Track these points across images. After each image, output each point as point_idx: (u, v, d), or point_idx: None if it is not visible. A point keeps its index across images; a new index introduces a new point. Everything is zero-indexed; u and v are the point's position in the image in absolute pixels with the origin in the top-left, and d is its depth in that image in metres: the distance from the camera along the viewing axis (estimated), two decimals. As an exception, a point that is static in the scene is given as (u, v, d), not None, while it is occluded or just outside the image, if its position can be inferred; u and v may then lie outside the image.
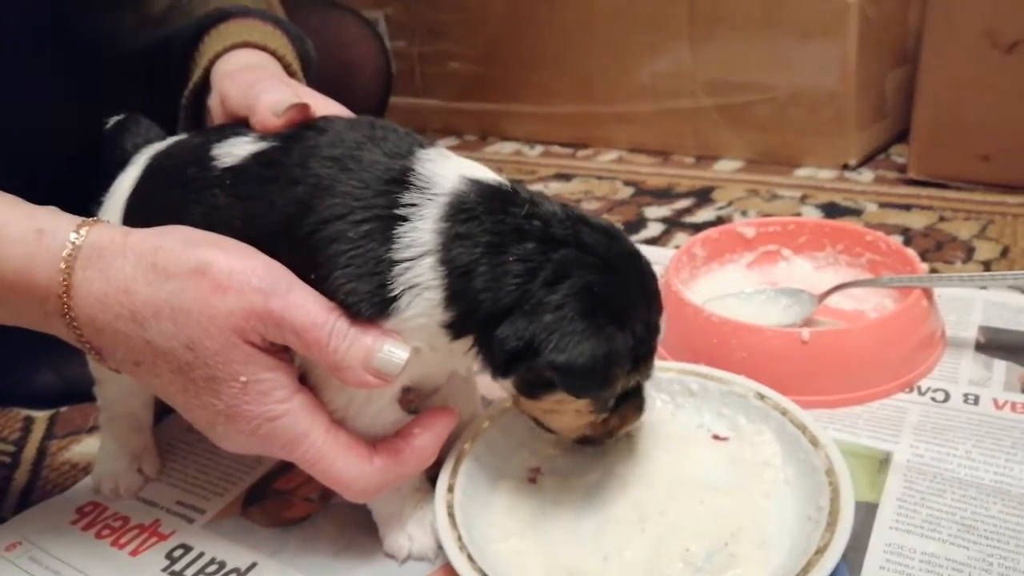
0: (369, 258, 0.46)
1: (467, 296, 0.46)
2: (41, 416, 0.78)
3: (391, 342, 0.47)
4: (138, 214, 0.56)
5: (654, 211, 1.07)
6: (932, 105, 0.98)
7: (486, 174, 0.50)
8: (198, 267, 0.46)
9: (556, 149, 1.35)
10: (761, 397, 0.60)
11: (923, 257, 0.86)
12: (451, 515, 0.52)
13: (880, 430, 0.61)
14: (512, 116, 1.40)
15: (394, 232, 0.46)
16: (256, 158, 0.51)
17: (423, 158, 0.49)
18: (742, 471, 0.57)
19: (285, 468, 0.66)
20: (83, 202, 0.57)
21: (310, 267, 0.47)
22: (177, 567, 0.57)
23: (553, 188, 1.19)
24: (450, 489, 0.54)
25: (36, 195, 0.50)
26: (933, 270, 0.84)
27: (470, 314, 0.47)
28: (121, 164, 0.60)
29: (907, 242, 0.90)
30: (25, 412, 0.79)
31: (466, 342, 0.48)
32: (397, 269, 0.46)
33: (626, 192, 1.15)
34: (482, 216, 0.47)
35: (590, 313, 0.47)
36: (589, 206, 1.11)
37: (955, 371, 0.67)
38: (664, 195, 1.11)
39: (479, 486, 0.56)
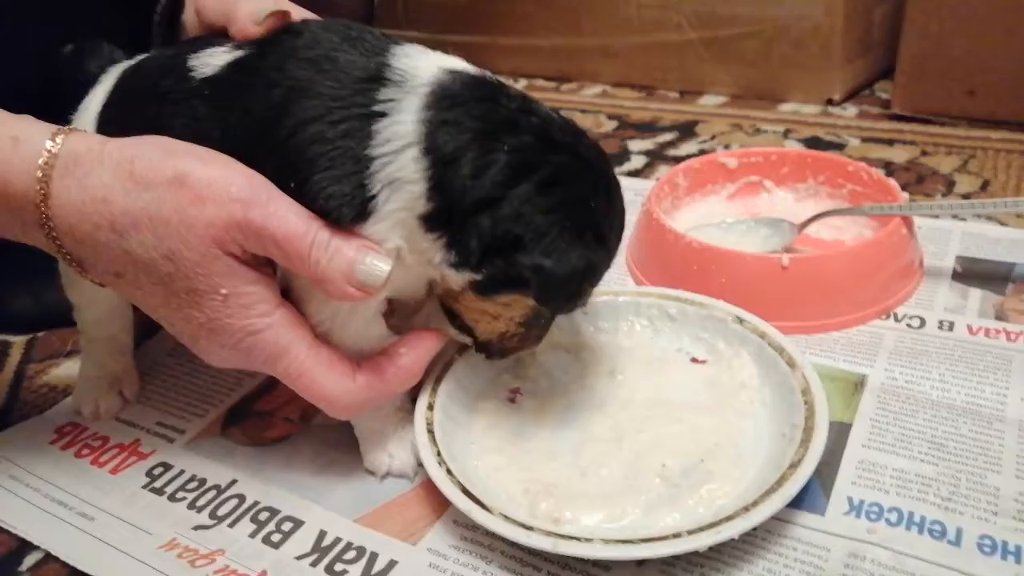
0: (348, 158, 0.45)
1: (451, 184, 0.45)
2: (19, 341, 0.77)
3: (373, 254, 0.46)
4: (112, 130, 0.54)
5: (637, 144, 1.06)
6: (918, 38, 0.97)
7: (468, 66, 0.49)
8: (176, 177, 0.45)
9: (540, 83, 1.33)
10: (740, 321, 0.60)
11: (905, 190, 0.86)
12: (430, 432, 0.53)
13: (856, 355, 0.62)
14: (497, 49, 1.37)
15: (372, 129, 0.45)
16: (233, 66, 0.50)
17: (399, 54, 0.48)
18: (719, 392, 0.57)
19: (266, 389, 0.66)
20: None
21: (290, 173, 0.46)
22: (157, 484, 0.57)
23: (536, 121, 1.17)
24: (430, 407, 0.55)
25: None
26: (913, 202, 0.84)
27: (452, 204, 0.46)
28: (84, 86, 0.58)
29: (888, 176, 0.90)
30: (2, 337, 0.78)
31: (433, 236, 0.47)
32: (375, 165, 0.45)
33: (610, 126, 1.13)
34: (470, 103, 0.46)
35: (580, 226, 0.47)
36: (572, 139, 1.10)
37: (932, 299, 0.68)
38: (647, 129, 1.10)
39: (459, 405, 0.57)
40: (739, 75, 1.16)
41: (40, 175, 0.46)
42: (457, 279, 0.49)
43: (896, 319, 0.66)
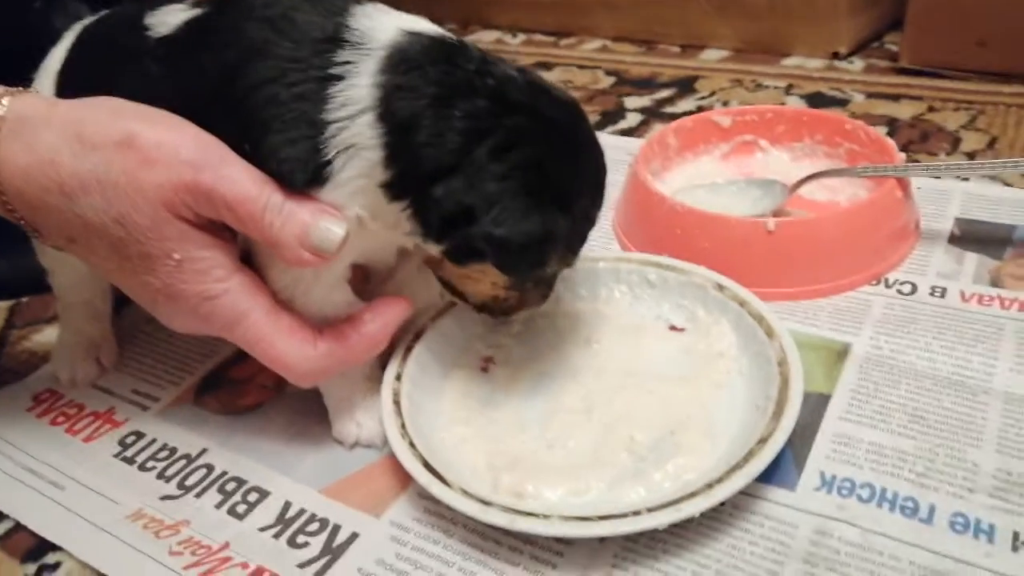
0: (302, 121, 0.44)
1: (408, 152, 0.44)
2: (1, 306, 0.77)
3: (328, 218, 0.45)
4: (69, 89, 0.53)
5: (634, 101, 1.03)
6: (929, -13, 0.92)
7: (429, 27, 0.47)
8: (124, 138, 0.44)
9: (539, 38, 1.29)
10: (720, 288, 0.58)
11: (907, 148, 0.84)
12: (396, 403, 0.52)
13: (842, 322, 0.60)
14: (494, 2, 1.34)
15: (328, 92, 0.44)
16: (189, 25, 0.49)
17: (358, 14, 0.46)
18: (695, 361, 0.56)
19: (240, 356, 0.65)
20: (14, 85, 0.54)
21: (243, 135, 0.45)
22: (129, 453, 0.57)
23: (533, 78, 1.14)
24: (398, 377, 0.54)
25: None
26: (914, 161, 0.81)
27: (410, 172, 0.44)
28: (51, 43, 0.57)
29: (892, 133, 0.87)
30: (-15, 303, 0.78)
31: (402, 204, 0.46)
32: (331, 130, 0.44)
33: (607, 82, 1.10)
34: (426, 67, 0.44)
35: (534, 190, 0.45)
36: (568, 96, 1.07)
37: (926, 264, 0.65)
38: (645, 85, 1.07)
39: (429, 374, 0.56)
40: (742, 28, 1.12)
41: None
42: (431, 248, 0.48)
43: (887, 285, 0.64)
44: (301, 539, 0.49)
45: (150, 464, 0.56)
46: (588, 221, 0.50)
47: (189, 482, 0.54)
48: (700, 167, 0.80)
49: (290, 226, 0.44)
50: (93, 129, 0.45)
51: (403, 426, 0.50)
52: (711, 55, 1.13)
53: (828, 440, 0.50)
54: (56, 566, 0.50)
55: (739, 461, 0.45)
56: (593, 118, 1.00)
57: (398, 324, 0.52)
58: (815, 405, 0.53)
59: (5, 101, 0.46)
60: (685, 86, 1.05)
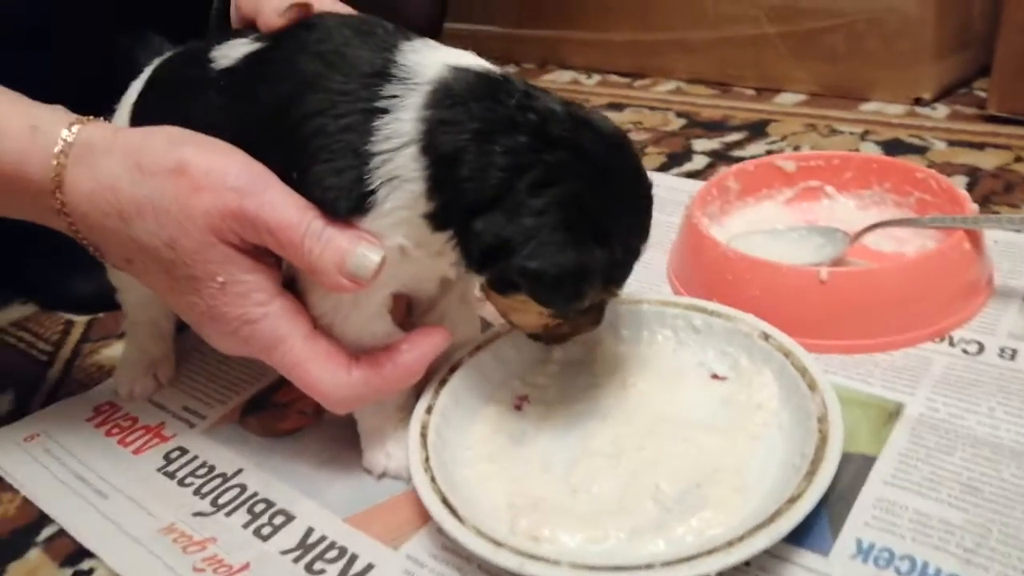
0: (348, 151, 0.45)
1: (451, 184, 0.45)
2: (80, 320, 0.82)
3: (366, 245, 0.46)
4: (141, 119, 0.57)
5: (702, 144, 1.01)
6: (1019, 32, 0.88)
7: (475, 61, 0.48)
8: (177, 166, 0.47)
9: (614, 78, 1.29)
10: (766, 337, 0.56)
11: (989, 200, 0.79)
12: (423, 435, 0.52)
13: (897, 380, 0.57)
14: (571, 43, 1.35)
15: (374, 125, 0.45)
16: (249, 58, 0.51)
17: (406, 49, 0.47)
18: (734, 412, 0.54)
19: (284, 381, 0.66)
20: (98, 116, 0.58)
21: (292, 164, 0.47)
22: (171, 468, 0.59)
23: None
24: (428, 410, 0.54)
25: None
26: (995, 212, 0.76)
27: (453, 204, 0.45)
28: (134, 77, 0.61)
29: (973, 183, 0.82)
30: (67, 316, 0.83)
31: (447, 235, 0.47)
32: (375, 161, 0.45)
33: (677, 124, 1.09)
34: (469, 103, 0.45)
35: (572, 225, 0.45)
36: (637, 136, 1.06)
37: (996, 323, 0.61)
38: (716, 128, 1.05)
39: (461, 409, 0.56)
40: (819, 72, 1.09)
41: (55, 163, 0.48)
42: (475, 278, 0.49)
43: (951, 343, 0.60)
44: (319, 565, 0.49)
45: (189, 480, 0.58)
46: (631, 253, 0.49)
47: (222, 500, 0.55)
48: (762, 212, 0.78)
49: (329, 253, 0.46)
50: (150, 158, 0.47)
51: (427, 459, 0.50)
52: (786, 99, 1.11)
53: (869, 505, 0.47)
54: (90, 572, 0.52)
55: (765, 520, 0.43)
56: (659, 160, 0.99)
57: (435, 355, 0.52)
58: (858, 467, 0.50)
59: (75, 129, 0.49)
60: (756, 130, 1.03)
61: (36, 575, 0.52)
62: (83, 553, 0.53)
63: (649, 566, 0.41)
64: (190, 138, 0.48)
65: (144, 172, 0.47)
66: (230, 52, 0.52)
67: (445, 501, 0.47)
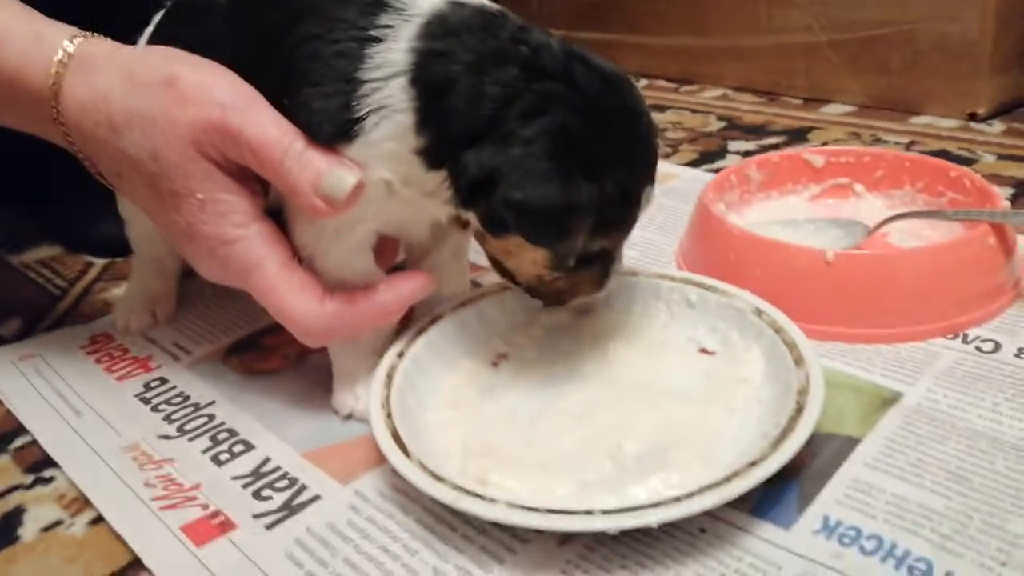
0: (338, 77, 0.45)
1: (440, 117, 0.44)
2: (100, 263, 0.84)
3: (344, 168, 0.45)
4: (154, 44, 0.58)
5: (738, 145, 0.99)
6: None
7: None
8: (168, 78, 0.47)
9: (661, 83, 1.28)
10: (759, 313, 0.53)
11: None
12: (389, 376, 0.51)
13: (898, 370, 0.53)
14: (625, 47, 1.34)
15: (366, 52, 0.45)
16: None
17: None
18: (715, 384, 0.51)
19: (275, 328, 0.66)
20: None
21: (284, 90, 0.46)
22: (149, 395, 0.59)
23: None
24: (400, 355, 0.53)
25: None
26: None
27: (443, 138, 0.45)
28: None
29: (1018, 195, 0.78)
30: (88, 258, 0.85)
31: (441, 175, 0.46)
32: (365, 89, 0.44)
33: (717, 125, 1.06)
34: (462, 34, 0.44)
35: (558, 155, 0.43)
36: (674, 134, 1.04)
37: (1018, 324, 0.57)
38: (756, 131, 1.02)
39: (437, 359, 0.54)
40: (870, 83, 1.05)
41: (54, 71, 0.49)
42: (466, 216, 0.48)
43: (965, 340, 0.56)
44: (266, 492, 0.48)
45: (162, 407, 0.58)
46: (626, 197, 0.47)
47: (188, 427, 0.55)
48: (785, 206, 0.75)
49: (307, 173, 0.45)
50: (143, 69, 0.48)
51: (387, 398, 0.49)
52: (834, 109, 1.07)
53: (844, 484, 0.44)
54: (49, 480, 0.52)
55: (719, 480, 0.40)
56: (690, 156, 0.96)
57: (414, 299, 0.51)
58: (839, 448, 0.46)
59: (77, 41, 0.50)
60: (797, 135, 0.99)
61: (1, 477, 0.53)
62: (48, 462, 0.53)
63: (588, 512, 0.39)
64: (185, 56, 0.49)
65: (136, 84, 0.48)
66: None
67: (396, 436, 0.45)
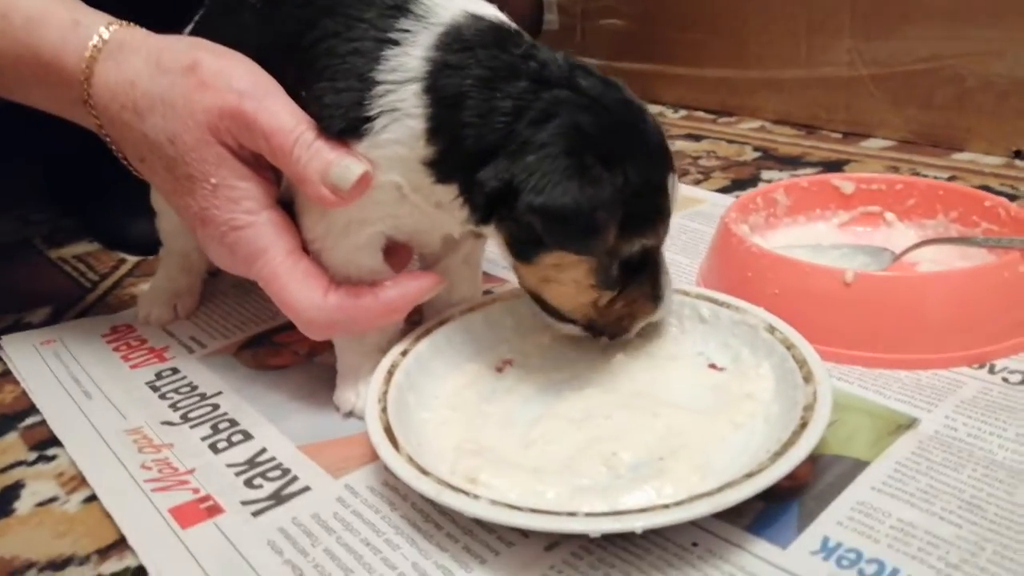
0: (353, 74, 0.45)
1: (451, 130, 0.44)
2: (132, 260, 0.86)
3: (351, 158, 0.46)
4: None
5: (771, 175, 0.97)
6: None
7: (491, 12, 0.48)
8: (191, 64, 0.48)
9: (699, 115, 1.27)
10: (772, 330, 0.51)
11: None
12: (390, 372, 0.50)
13: (917, 397, 0.51)
14: (664, 78, 1.34)
15: (383, 54, 0.45)
16: None
17: None
18: (721, 399, 0.49)
19: (288, 325, 0.66)
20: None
21: (302, 83, 0.47)
22: (159, 383, 0.60)
23: (678, 144, 1.11)
24: (403, 353, 0.52)
25: None
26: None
27: (454, 152, 0.45)
28: None
29: (1061, 233, 0.74)
30: (123, 255, 0.87)
31: (452, 190, 0.46)
32: (378, 89, 0.45)
33: (752, 155, 1.05)
34: (476, 49, 0.45)
35: (575, 151, 0.43)
36: (708, 162, 1.03)
37: (1051, 358, 0.54)
38: (791, 162, 1.01)
39: (441, 360, 0.54)
40: (912, 118, 1.03)
41: (88, 55, 0.50)
42: (486, 231, 0.48)
43: (991, 371, 0.53)
44: (258, 481, 0.48)
45: (170, 395, 0.58)
46: (651, 186, 0.46)
47: (192, 415, 0.55)
48: (812, 232, 0.73)
49: (315, 162, 0.46)
50: (169, 55, 0.49)
51: (384, 393, 0.48)
52: (874, 143, 1.05)
53: (847, 506, 0.42)
54: (52, 458, 0.52)
55: (710, 490, 0.38)
56: (722, 183, 0.95)
57: (419, 298, 0.51)
58: (846, 470, 0.44)
59: (112, 28, 0.51)
60: (833, 167, 0.97)
61: (7, 453, 0.53)
62: (53, 442, 0.54)
63: (572, 514, 0.38)
64: (210, 45, 0.50)
65: (161, 69, 0.49)
66: None
67: (388, 430, 0.45)
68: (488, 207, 0.45)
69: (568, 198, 0.42)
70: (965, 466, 0.44)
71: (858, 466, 0.45)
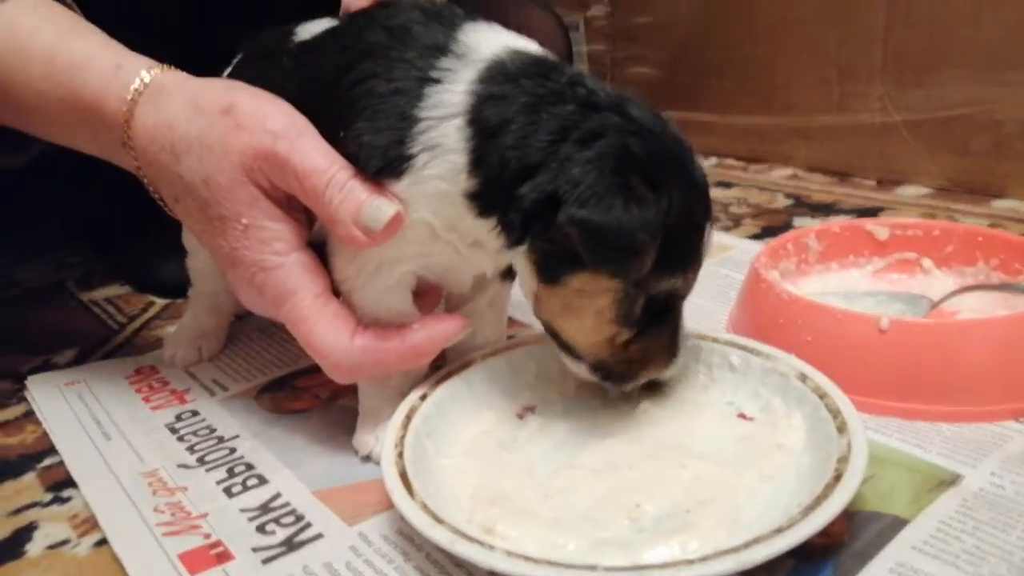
0: (393, 113, 0.45)
1: (493, 157, 0.44)
2: (161, 302, 0.86)
3: (383, 199, 0.45)
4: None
5: (804, 221, 0.95)
6: None
7: (533, 46, 0.48)
8: (227, 107, 0.49)
9: (730, 162, 1.26)
10: (803, 378, 0.50)
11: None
12: (408, 417, 0.49)
13: (960, 451, 0.48)
14: (694, 125, 1.33)
15: (424, 92, 0.45)
16: (325, 32, 0.54)
17: (469, 29, 0.48)
18: (750, 449, 0.47)
19: (310, 370, 0.66)
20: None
21: (341, 124, 0.47)
22: (178, 425, 0.60)
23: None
24: (422, 397, 0.51)
25: None
26: None
27: (496, 179, 0.44)
28: None
29: (1109, 282, 0.71)
30: (151, 298, 0.88)
31: (490, 223, 0.45)
32: (420, 127, 0.45)
33: (784, 203, 1.04)
34: (520, 80, 0.45)
35: (621, 170, 0.42)
36: (738, 209, 1.02)
37: (1103, 413, 0.51)
38: (823, 209, 0.99)
39: (461, 405, 0.52)
40: (949, 165, 1.01)
41: (129, 99, 0.51)
42: (517, 259, 0.47)
43: (1039, 425, 0.50)
44: (270, 527, 0.47)
45: (188, 438, 0.58)
46: (691, 225, 0.45)
47: (208, 458, 0.55)
48: (845, 279, 0.71)
49: (347, 204, 0.46)
50: (206, 98, 0.50)
51: (401, 438, 0.47)
52: (909, 191, 1.03)
53: (886, 566, 0.39)
54: (67, 500, 0.52)
55: (737, 546, 0.36)
56: (752, 230, 0.94)
57: (446, 342, 0.50)
58: (885, 528, 0.42)
59: (153, 72, 0.52)
60: (866, 215, 0.95)
61: (22, 494, 0.53)
62: (69, 483, 0.53)
63: (591, 567, 0.36)
64: (246, 88, 0.51)
65: (198, 111, 0.49)
66: (312, 28, 0.55)
67: (403, 476, 0.44)
68: (524, 225, 0.44)
69: (612, 215, 0.41)
70: (1015, 527, 0.41)
71: (898, 524, 0.42)
